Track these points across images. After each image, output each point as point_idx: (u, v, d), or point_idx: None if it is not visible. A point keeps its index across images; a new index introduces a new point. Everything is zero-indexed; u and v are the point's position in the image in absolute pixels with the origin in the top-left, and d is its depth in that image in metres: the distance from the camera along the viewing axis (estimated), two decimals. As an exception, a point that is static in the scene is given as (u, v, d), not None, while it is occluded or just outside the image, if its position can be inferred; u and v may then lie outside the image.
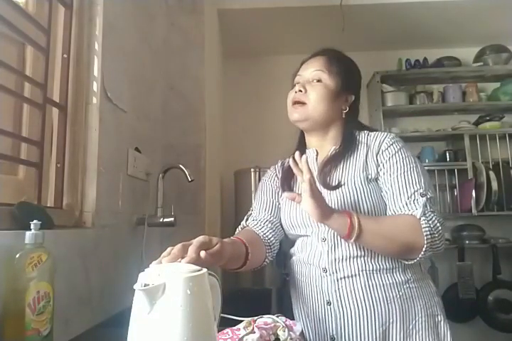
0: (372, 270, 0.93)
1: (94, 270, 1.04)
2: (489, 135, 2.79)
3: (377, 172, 0.98)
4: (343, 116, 1.07)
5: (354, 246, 0.94)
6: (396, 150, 0.98)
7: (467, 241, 2.73)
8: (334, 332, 0.93)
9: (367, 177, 0.97)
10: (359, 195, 0.95)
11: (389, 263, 0.94)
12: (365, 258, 0.93)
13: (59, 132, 1.06)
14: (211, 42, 2.30)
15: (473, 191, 2.66)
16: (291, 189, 1.09)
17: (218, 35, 2.66)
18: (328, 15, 2.49)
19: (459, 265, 2.64)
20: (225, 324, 0.71)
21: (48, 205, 1.01)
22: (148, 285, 0.54)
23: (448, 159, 2.89)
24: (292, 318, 1.08)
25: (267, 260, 1.04)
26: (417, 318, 0.93)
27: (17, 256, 0.67)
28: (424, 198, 0.91)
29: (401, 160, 0.96)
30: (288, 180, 1.11)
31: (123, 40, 1.33)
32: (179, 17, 1.94)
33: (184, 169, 1.35)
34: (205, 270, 0.61)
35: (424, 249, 0.86)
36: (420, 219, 0.88)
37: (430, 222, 0.88)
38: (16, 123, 0.96)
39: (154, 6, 1.71)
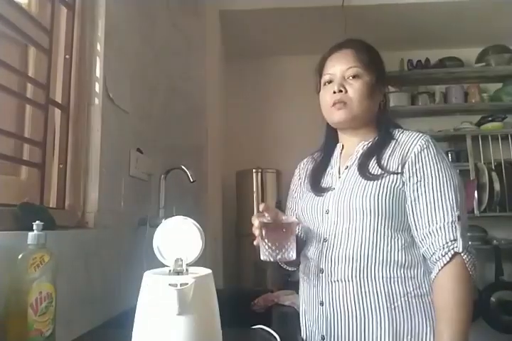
0: (366, 277, 0.89)
1: (97, 270, 1.05)
2: (491, 136, 2.79)
3: (407, 176, 0.92)
4: (381, 107, 1.05)
5: (351, 250, 0.92)
6: (431, 156, 0.92)
7: (469, 242, 2.71)
8: (324, 332, 0.93)
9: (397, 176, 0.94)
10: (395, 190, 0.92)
11: (386, 272, 0.89)
12: (361, 263, 0.90)
13: (61, 133, 1.06)
14: (213, 43, 2.30)
15: (476, 192, 2.66)
16: (318, 183, 1.06)
17: (220, 36, 2.66)
18: (330, 16, 2.49)
19: (461, 266, 2.63)
20: (224, 324, 0.71)
21: (51, 206, 1.01)
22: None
23: (450, 160, 2.88)
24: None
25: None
26: (412, 334, 0.87)
27: (19, 256, 0.67)
28: (461, 222, 0.87)
29: (436, 170, 0.90)
30: (316, 176, 1.08)
31: (125, 41, 1.33)
32: (181, 18, 1.94)
33: (186, 170, 1.35)
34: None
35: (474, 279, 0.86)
36: (462, 256, 0.85)
37: (470, 257, 0.86)
38: (18, 124, 0.96)
39: (156, 8, 1.72)
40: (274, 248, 0.88)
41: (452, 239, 0.86)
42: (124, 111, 1.29)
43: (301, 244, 1.06)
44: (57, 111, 1.06)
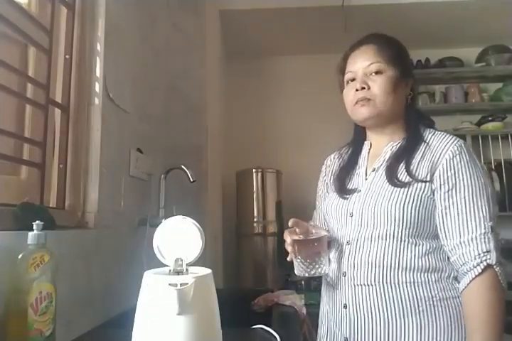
0: (390, 282, 0.88)
1: (96, 270, 1.05)
2: (491, 135, 2.79)
3: (438, 184, 0.90)
4: (408, 101, 1.02)
5: (374, 256, 0.90)
6: (463, 163, 0.89)
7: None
8: (348, 335, 0.92)
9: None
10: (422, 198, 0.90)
11: (409, 277, 0.88)
12: (384, 268, 0.89)
13: (61, 133, 1.06)
14: (213, 42, 2.30)
15: (476, 192, 2.65)
16: (344, 184, 1.03)
17: (220, 35, 2.66)
18: (330, 16, 2.49)
19: (461, 266, 2.63)
20: (224, 324, 0.71)
21: (51, 206, 1.01)
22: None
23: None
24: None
25: None
26: (438, 338, 0.86)
27: (19, 256, 0.67)
28: (494, 234, 0.85)
29: (469, 177, 0.88)
30: (343, 176, 1.05)
31: (125, 40, 1.33)
32: (181, 18, 1.94)
33: (186, 170, 1.35)
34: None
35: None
36: (495, 268, 0.83)
37: (502, 268, 0.84)
38: (18, 124, 0.96)
39: (156, 7, 1.72)
40: (307, 264, 0.92)
41: (485, 250, 0.84)
42: (124, 110, 1.29)
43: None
44: (57, 111, 1.06)
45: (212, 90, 2.23)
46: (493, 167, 2.74)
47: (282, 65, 3.18)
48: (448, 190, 0.89)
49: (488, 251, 0.84)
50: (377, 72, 0.96)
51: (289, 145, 2.96)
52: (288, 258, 0.94)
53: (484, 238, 0.85)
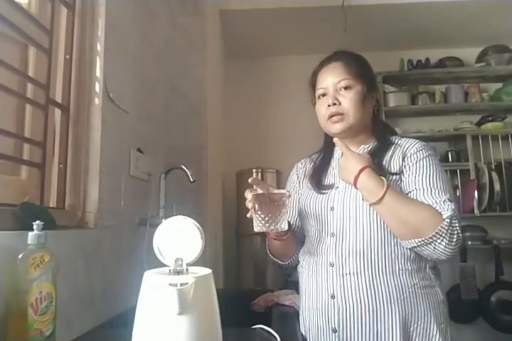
0: (378, 270, 0.94)
1: (97, 270, 1.05)
2: (491, 135, 2.79)
3: (403, 176, 0.99)
4: (375, 112, 1.10)
5: (361, 245, 0.95)
6: (424, 155, 1.00)
7: (470, 242, 2.72)
8: (336, 325, 0.95)
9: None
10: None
11: (395, 265, 0.94)
12: (371, 257, 0.94)
13: (61, 133, 1.06)
14: (213, 42, 2.30)
15: (476, 192, 2.66)
16: (320, 181, 1.10)
17: (220, 35, 2.66)
18: (330, 15, 2.49)
19: (461, 266, 2.63)
20: (224, 324, 0.71)
21: (51, 206, 1.01)
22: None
23: (450, 159, 2.88)
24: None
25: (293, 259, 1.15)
26: (418, 323, 0.93)
27: (20, 256, 0.67)
28: (453, 204, 0.91)
29: (428, 165, 0.98)
30: (318, 175, 1.12)
31: (125, 40, 1.33)
32: (181, 18, 1.94)
33: (186, 170, 1.35)
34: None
35: (423, 240, 0.87)
36: (445, 220, 0.87)
37: (452, 228, 0.87)
38: (18, 124, 0.96)
39: (156, 7, 1.72)
40: (267, 219, 0.92)
41: (445, 209, 0.90)
42: (124, 110, 1.29)
43: (298, 237, 1.13)
44: (58, 111, 1.06)
45: (212, 90, 2.23)
46: (493, 167, 2.74)
47: (282, 65, 3.18)
48: (413, 174, 0.98)
49: (447, 211, 0.89)
50: (346, 88, 1.04)
51: (289, 145, 2.96)
52: (248, 215, 0.95)
53: (444, 203, 0.91)
